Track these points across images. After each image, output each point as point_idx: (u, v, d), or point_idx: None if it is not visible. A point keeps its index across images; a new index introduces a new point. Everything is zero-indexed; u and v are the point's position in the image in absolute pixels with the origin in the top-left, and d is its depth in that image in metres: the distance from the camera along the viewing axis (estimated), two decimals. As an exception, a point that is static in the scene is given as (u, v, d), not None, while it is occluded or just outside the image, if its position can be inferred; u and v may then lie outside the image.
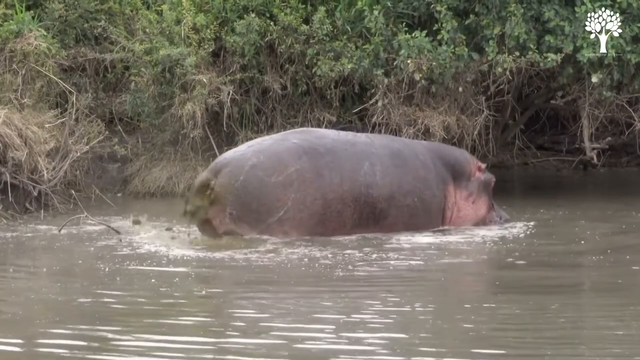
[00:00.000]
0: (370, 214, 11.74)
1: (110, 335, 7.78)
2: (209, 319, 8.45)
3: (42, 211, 13.75)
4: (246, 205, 11.35)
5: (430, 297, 9.19)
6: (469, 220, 12.45)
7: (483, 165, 12.67)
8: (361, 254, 10.83)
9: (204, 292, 9.47)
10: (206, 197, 11.46)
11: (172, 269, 10.27)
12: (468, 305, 8.80)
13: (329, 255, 10.75)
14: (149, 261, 10.62)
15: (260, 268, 10.26)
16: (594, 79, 14.35)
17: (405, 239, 11.61)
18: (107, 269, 10.23)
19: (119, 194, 15.36)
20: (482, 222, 12.55)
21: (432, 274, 10.14)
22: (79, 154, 14.50)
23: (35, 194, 13.89)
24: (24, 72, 14.76)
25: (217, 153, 14.81)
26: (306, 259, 10.58)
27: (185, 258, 10.76)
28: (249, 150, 11.75)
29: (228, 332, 7.95)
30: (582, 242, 11.77)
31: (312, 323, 8.13)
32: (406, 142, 12.62)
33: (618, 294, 9.18)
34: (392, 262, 10.52)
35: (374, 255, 10.77)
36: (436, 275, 10.15)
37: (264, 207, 11.36)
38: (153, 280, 9.72)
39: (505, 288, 9.60)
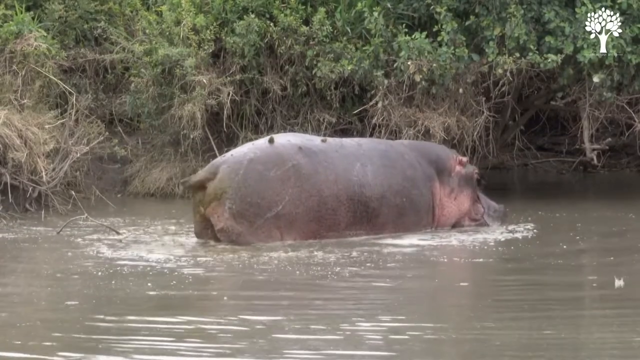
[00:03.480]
0: (364, 212, 11.82)
1: (91, 340, 7.71)
2: (205, 323, 8.42)
3: (42, 212, 13.75)
4: (246, 199, 11.38)
5: (427, 302, 9.18)
6: (453, 216, 12.52)
7: (464, 159, 12.69)
8: (355, 257, 10.83)
9: (200, 296, 9.44)
10: (205, 196, 11.46)
11: (168, 272, 10.23)
12: (463, 310, 8.80)
13: (323, 259, 10.75)
14: (146, 263, 10.59)
15: (256, 271, 10.24)
16: (595, 79, 14.34)
17: (400, 242, 11.64)
18: (102, 272, 10.20)
19: (118, 195, 15.34)
20: (468, 216, 12.58)
21: (429, 279, 10.13)
22: (78, 154, 14.49)
23: (35, 195, 13.90)
24: (23, 73, 14.74)
25: (217, 154, 14.79)
26: (301, 263, 10.56)
27: (182, 261, 10.74)
28: (244, 148, 11.90)
29: (225, 335, 7.94)
30: (581, 246, 11.76)
31: (308, 327, 8.12)
32: (390, 143, 12.78)
33: (617, 301, 9.13)
34: (386, 265, 10.52)
35: (369, 259, 10.77)
36: (433, 279, 10.14)
37: (264, 200, 11.41)
38: (149, 284, 9.69)
39: (501, 292, 9.59)
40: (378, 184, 11.93)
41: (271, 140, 11.69)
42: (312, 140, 12.05)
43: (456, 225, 12.55)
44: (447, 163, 12.54)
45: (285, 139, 11.85)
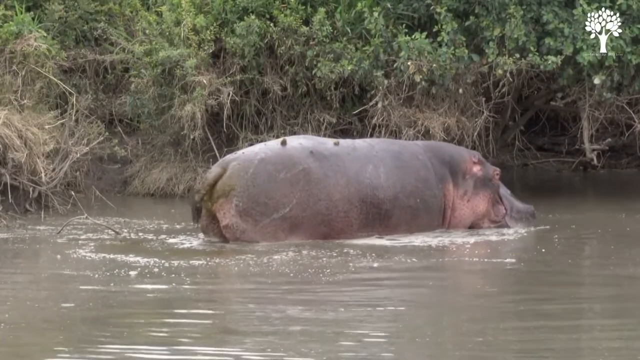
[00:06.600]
0: (376, 214, 11.85)
1: (79, 345, 7.70)
2: (204, 324, 8.43)
3: (42, 212, 13.76)
4: (254, 197, 11.44)
5: (424, 304, 9.18)
6: (466, 218, 12.43)
7: (482, 161, 12.57)
8: (355, 259, 10.83)
9: (198, 297, 9.43)
10: (213, 191, 11.49)
11: (167, 273, 10.21)
12: (461, 315, 8.80)
13: (321, 260, 10.76)
14: (145, 264, 10.57)
15: (255, 274, 10.24)
16: (596, 81, 14.34)
17: (402, 242, 11.64)
18: (101, 273, 10.18)
19: (118, 195, 15.36)
20: (487, 218, 12.48)
21: (426, 281, 10.11)
22: (78, 155, 14.50)
23: (35, 195, 13.90)
24: (23, 73, 14.75)
25: (217, 154, 14.85)
26: (300, 264, 10.57)
27: (182, 262, 10.72)
28: (256, 147, 11.99)
29: (223, 338, 7.94)
30: (581, 247, 11.74)
31: (306, 330, 8.12)
32: (403, 143, 12.73)
33: (618, 307, 9.11)
34: (386, 266, 10.52)
35: (370, 260, 10.77)
36: (430, 281, 10.14)
37: (272, 201, 11.48)
38: (148, 286, 9.67)
39: (499, 296, 9.58)
40: (391, 186, 11.91)
41: (284, 142, 11.77)
42: (325, 143, 12.03)
43: (474, 227, 12.49)
44: (461, 164, 12.44)
45: (298, 142, 11.89)
